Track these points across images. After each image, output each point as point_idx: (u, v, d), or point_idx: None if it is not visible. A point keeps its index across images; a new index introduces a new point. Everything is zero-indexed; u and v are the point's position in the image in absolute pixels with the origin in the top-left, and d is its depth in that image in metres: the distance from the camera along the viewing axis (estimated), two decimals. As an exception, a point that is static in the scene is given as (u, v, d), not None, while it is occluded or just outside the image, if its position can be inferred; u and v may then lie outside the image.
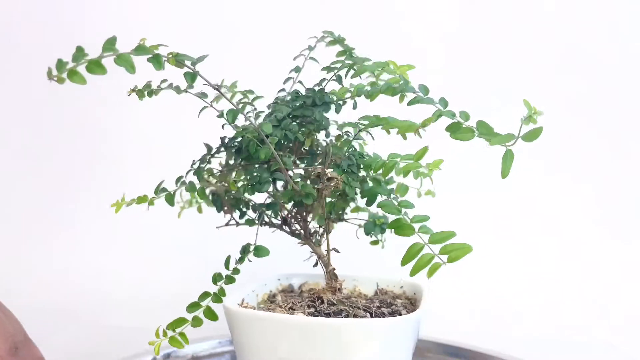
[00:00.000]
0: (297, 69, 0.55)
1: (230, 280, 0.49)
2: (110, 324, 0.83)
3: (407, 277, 0.57)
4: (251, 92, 0.56)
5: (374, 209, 0.52)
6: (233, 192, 0.53)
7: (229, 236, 0.57)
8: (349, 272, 0.57)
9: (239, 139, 0.51)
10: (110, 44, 0.34)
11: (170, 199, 0.51)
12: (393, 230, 0.42)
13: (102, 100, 0.90)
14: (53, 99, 0.90)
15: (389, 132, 0.44)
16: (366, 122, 0.46)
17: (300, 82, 0.54)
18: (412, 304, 0.55)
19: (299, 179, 0.49)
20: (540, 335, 0.82)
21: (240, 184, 0.52)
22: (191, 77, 0.43)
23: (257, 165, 0.51)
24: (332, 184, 0.47)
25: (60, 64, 0.32)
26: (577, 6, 0.85)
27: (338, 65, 0.51)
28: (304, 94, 0.52)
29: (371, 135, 0.48)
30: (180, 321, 0.47)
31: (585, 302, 0.84)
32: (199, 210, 0.58)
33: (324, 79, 0.52)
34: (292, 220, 0.55)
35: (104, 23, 0.91)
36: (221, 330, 0.57)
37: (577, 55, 0.86)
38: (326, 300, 0.51)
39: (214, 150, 0.54)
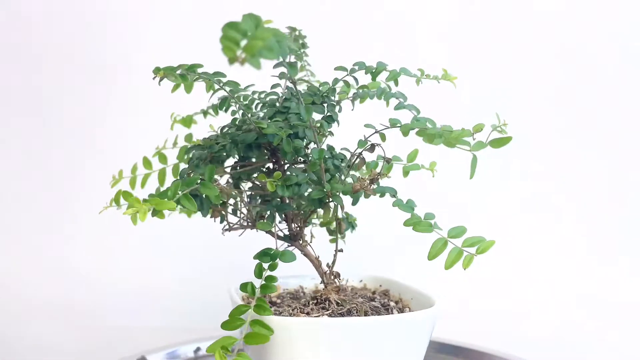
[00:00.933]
0: (292, 65, 0.51)
1: (268, 289, 0.45)
2: (110, 324, 0.83)
3: (366, 271, 0.62)
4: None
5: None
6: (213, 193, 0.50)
7: (228, 238, 0.57)
8: (306, 270, 0.56)
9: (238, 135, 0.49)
10: (255, 21, 0.28)
11: (190, 202, 0.43)
12: (412, 227, 0.42)
13: (102, 98, 0.89)
14: (52, 97, 0.90)
15: (406, 134, 0.44)
16: (391, 125, 0.45)
17: (292, 79, 0.53)
18: (385, 295, 0.57)
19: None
20: (540, 335, 0.82)
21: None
22: (292, 67, 0.41)
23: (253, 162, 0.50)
24: (374, 185, 0.47)
25: (236, 42, 0.27)
26: (577, 6, 0.86)
27: (356, 67, 0.50)
28: (295, 91, 0.51)
29: (382, 136, 0.48)
30: (227, 340, 0.42)
31: (585, 302, 0.84)
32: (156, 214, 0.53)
33: (336, 78, 0.52)
34: (293, 221, 0.54)
35: (104, 23, 0.90)
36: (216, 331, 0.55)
37: (577, 55, 0.86)
38: (334, 301, 0.51)
39: (217, 147, 0.51)
